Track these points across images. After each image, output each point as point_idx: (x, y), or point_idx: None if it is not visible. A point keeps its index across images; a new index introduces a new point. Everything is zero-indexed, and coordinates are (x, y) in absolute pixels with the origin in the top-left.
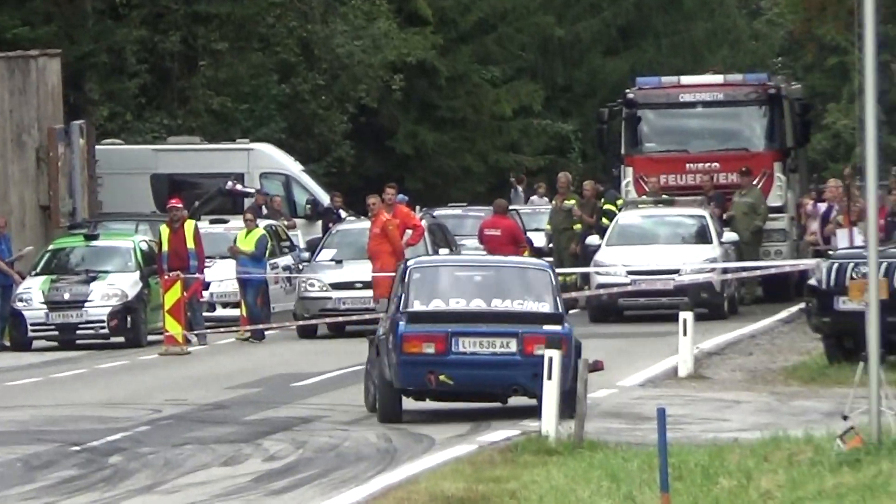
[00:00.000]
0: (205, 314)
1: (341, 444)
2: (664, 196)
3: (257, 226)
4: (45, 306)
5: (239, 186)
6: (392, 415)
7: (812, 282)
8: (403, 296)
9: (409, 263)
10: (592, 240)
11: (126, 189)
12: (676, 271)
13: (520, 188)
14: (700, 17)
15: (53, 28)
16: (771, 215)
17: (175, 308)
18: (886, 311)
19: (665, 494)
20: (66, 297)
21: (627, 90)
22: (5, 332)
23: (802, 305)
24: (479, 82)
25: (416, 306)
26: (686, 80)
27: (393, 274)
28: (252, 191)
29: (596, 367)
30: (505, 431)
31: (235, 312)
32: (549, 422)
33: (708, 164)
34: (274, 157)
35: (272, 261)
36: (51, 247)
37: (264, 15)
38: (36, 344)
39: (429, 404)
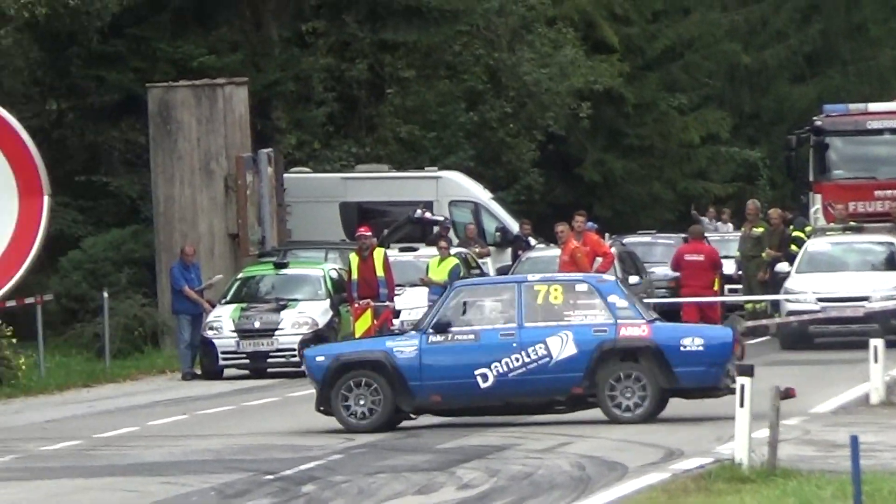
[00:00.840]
0: None
1: (535, 473)
2: (852, 223)
3: (450, 254)
4: (235, 335)
5: (428, 214)
6: None
7: None
8: None
9: None
10: (782, 267)
11: (315, 217)
12: (866, 298)
13: (704, 219)
14: (887, 44)
15: (240, 56)
16: None
17: (366, 336)
18: None
19: None
20: (257, 325)
21: (815, 117)
22: (196, 360)
23: None
24: (666, 110)
25: None
26: (873, 107)
27: None
28: (441, 219)
29: (788, 394)
30: (698, 459)
31: None
32: (741, 449)
33: None
34: (463, 185)
35: None
36: (240, 275)
37: (451, 43)
38: (227, 372)
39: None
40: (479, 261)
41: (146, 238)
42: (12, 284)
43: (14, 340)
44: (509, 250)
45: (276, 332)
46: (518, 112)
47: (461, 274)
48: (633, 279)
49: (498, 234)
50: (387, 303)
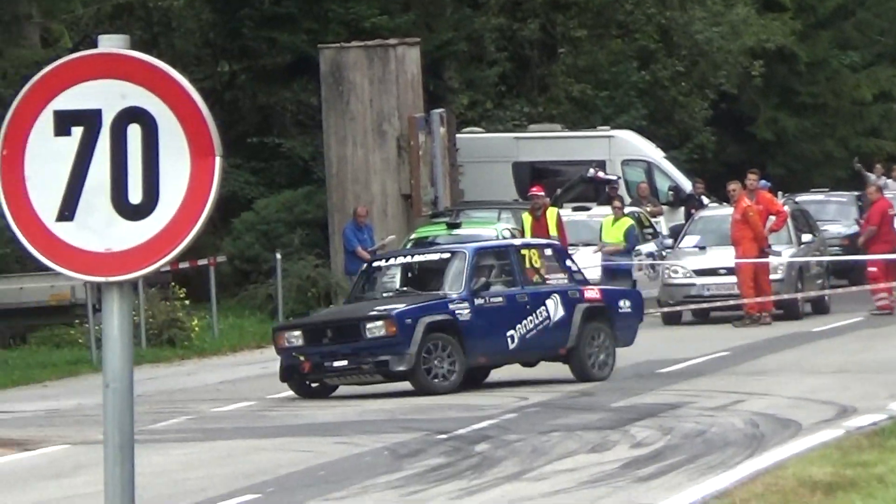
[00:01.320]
0: None
1: (708, 430)
2: None
3: (625, 214)
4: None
5: (601, 174)
6: None
7: None
8: None
9: None
10: None
11: (487, 177)
12: None
13: (871, 175)
14: None
15: (412, 17)
16: None
17: None
18: None
19: None
20: None
21: None
22: None
23: None
24: (838, 68)
25: None
26: None
27: (755, 260)
28: (614, 178)
29: None
30: (871, 416)
31: None
32: None
33: None
34: (635, 144)
35: (636, 247)
36: (413, 235)
37: (623, 2)
38: None
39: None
40: (652, 220)
41: (319, 199)
42: (184, 246)
43: (187, 302)
44: (682, 209)
45: None
46: (690, 71)
47: (636, 234)
48: (806, 237)
49: (671, 192)
50: None
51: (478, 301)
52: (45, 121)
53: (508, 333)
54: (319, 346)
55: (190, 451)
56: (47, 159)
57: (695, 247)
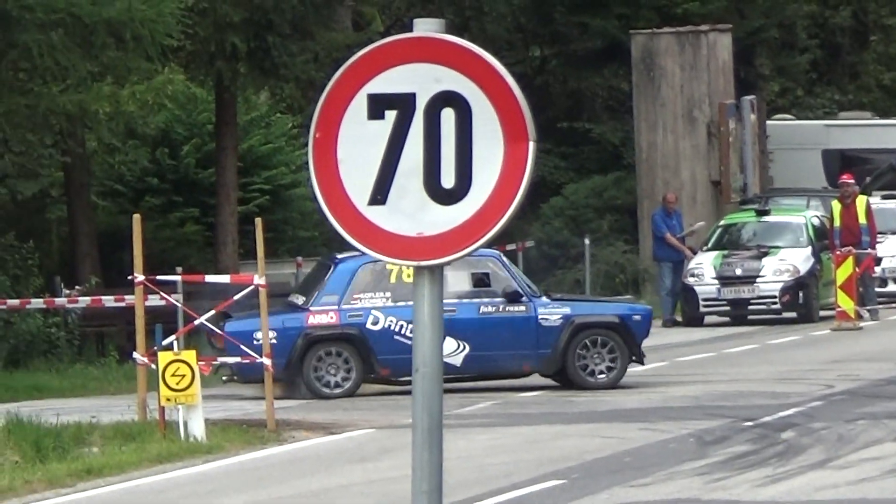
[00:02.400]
0: (877, 289)
1: None
2: None
3: None
4: (716, 282)
5: None
6: None
7: None
8: None
9: None
10: None
11: (797, 164)
12: None
13: None
14: None
15: (723, 3)
16: None
17: (847, 283)
18: None
19: None
20: (738, 272)
21: None
22: (677, 307)
23: None
24: None
25: None
26: None
27: None
28: None
29: None
30: None
31: None
32: None
33: None
34: None
35: None
36: (722, 222)
37: None
38: (707, 319)
39: None
40: None
41: (628, 185)
42: (497, 230)
43: None
44: None
45: (758, 279)
46: None
47: None
48: None
49: None
50: (868, 250)
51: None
52: (359, 104)
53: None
54: None
55: (495, 436)
56: (360, 143)
57: None
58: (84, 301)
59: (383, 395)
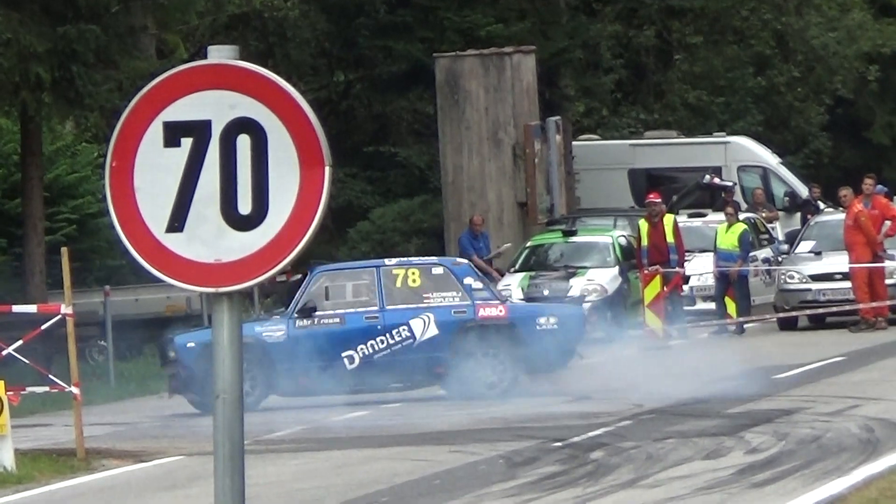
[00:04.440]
0: (686, 308)
1: (823, 436)
2: None
3: (738, 220)
4: (524, 303)
5: (717, 180)
6: None
7: None
8: None
9: None
10: None
11: (603, 184)
12: None
13: None
14: None
15: (527, 25)
16: None
17: (655, 302)
18: None
19: None
20: (546, 293)
21: None
22: None
23: None
24: None
25: None
26: None
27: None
28: (730, 184)
29: None
30: None
31: (712, 306)
32: None
33: None
34: (751, 150)
35: (752, 253)
36: (529, 243)
37: (739, 8)
38: None
39: None
40: (769, 225)
41: (435, 208)
42: (293, 256)
43: None
44: (798, 215)
45: (566, 300)
46: (806, 76)
47: (751, 240)
48: None
49: (786, 198)
50: (677, 269)
51: (301, 323)
52: (155, 132)
53: (345, 354)
54: None
55: (304, 460)
56: (157, 170)
57: (810, 252)
58: None
59: (192, 422)
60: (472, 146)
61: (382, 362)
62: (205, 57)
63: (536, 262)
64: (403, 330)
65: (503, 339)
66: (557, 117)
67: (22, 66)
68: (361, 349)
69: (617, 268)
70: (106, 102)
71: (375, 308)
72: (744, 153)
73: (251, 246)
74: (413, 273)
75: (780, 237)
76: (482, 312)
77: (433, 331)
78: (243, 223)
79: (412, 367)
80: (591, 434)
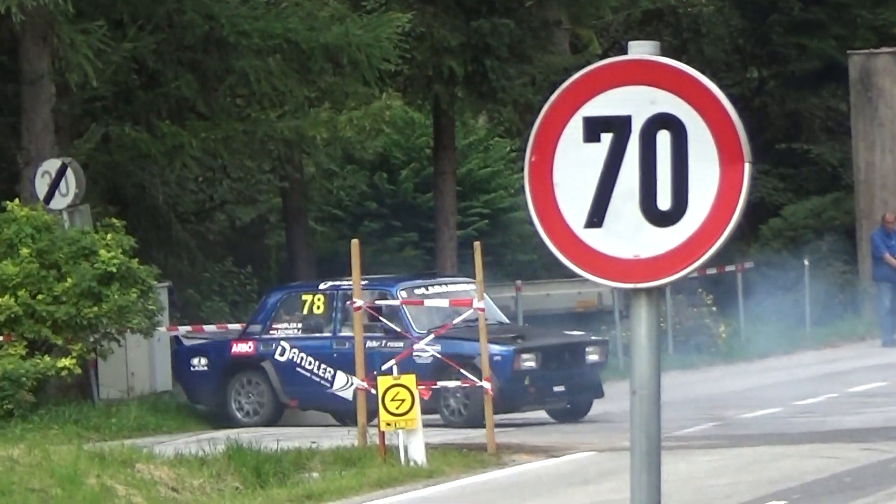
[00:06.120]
0: None
1: None
2: None
3: None
4: None
5: None
6: None
7: None
8: None
9: None
10: None
11: None
12: None
13: None
14: None
15: None
16: None
17: None
18: None
19: None
20: None
21: None
22: None
23: None
24: None
25: None
26: None
27: None
28: None
29: None
30: None
31: None
32: None
33: None
34: None
35: None
36: None
37: None
38: None
39: None
40: None
41: (847, 205)
42: (712, 253)
43: (714, 308)
44: None
45: None
46: None
47: None
48: None
49: None
50: None
51: None
52: (575, 127)
53: None
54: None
55: (716, 457)
56: (577, 166)
57: None
58: None
59: (603, 417)
60: (885, 143)
61: None
62: (621, 52)
63: None
64: None
65: None
66: None
67: (435, 60)
68: None
69: None
70: (519, 97)
71: None
72: None
73: (670, 242)
74: None
75: None
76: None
77: None
78: (663, 219)
79: None
80: None
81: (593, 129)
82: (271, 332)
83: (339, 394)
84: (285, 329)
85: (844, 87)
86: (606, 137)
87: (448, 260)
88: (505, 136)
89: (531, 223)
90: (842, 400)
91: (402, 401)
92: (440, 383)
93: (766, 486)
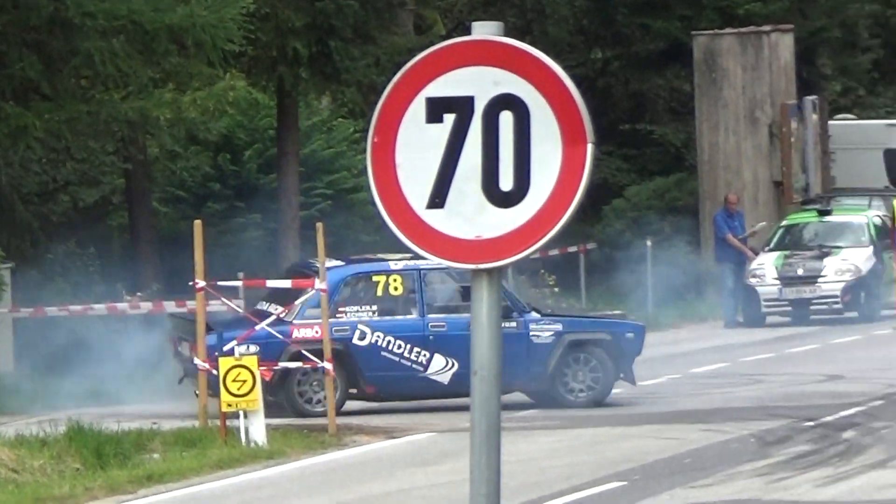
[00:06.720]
0: None
1: None
2: None
3: None
4: (778, 282)
5: None
6: None
7: None
8: None
9: None
10: None
11: (859, 164)
12: None
13: None
14: None
15: (785, 4)
16: None
17: None
18: None
19: None
20: (800, 272)
21: None
22: (738, 308)
23: None
24: None
25: None
26: None
27: None
28: None
29: None
30: None
31: None
32: None
33: None
34: None
35: None
36: (784, 223)
37: None
38: (769, 320)
39: None
40: None
41: (690, 186)
42: (554, 233)
43: (556, 290)
44: None
45: (819, 280)
46: None
47: None
48: None
49: None
50: None
51: None
52: (418, 108)
53: None
54: None
55: (556, 438)
56: (419, 146)
57: None
58: (146, 307)
59: (445, 401)
60: (729, 125)
61: None
62: (465, 33)
63: (791, 242)
64: None
65: None
66: (814, 97)
67: (279, 41)
68: None
69: (871, 248)
70: (363, 78)
71: None
72: None
73: (512, 222)
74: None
75: None
76: None
77: None
78: (504, 200)
79: None
80: (842, 414)
81: (436, 109)
82: (338, 315)
83: (437, 378)
84: (357, 312)
85: (689, 69)
86: (449, 118)
87: (291, 241)
88: (348, 118)
89: (373, 204)
90: (683, 381)
91: (244, 381)
92: (281, 364)
93: (606, 466)
